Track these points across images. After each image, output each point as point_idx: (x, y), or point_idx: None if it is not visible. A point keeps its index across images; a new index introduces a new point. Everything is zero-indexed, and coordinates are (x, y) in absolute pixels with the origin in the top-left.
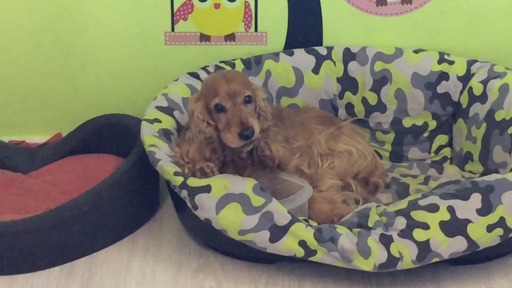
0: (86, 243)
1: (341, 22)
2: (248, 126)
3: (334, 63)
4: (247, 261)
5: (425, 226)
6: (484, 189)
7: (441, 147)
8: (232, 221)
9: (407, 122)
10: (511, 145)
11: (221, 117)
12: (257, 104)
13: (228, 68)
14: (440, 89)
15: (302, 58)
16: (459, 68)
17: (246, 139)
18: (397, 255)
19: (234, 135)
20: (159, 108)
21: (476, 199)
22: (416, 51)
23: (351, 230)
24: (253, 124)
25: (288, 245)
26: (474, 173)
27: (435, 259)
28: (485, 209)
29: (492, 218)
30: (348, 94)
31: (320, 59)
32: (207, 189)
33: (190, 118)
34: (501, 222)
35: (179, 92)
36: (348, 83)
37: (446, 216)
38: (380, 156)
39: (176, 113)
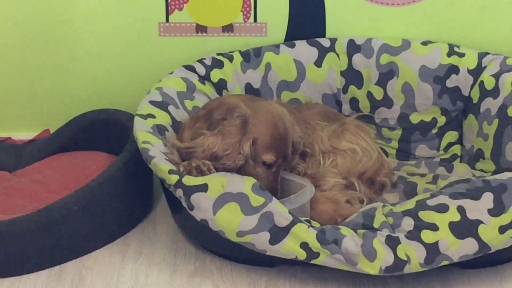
0: (76, 245)
1: (345, 12)
2: (273, 190)
3: (338, 55)
4: (246, 264)
5: (433, 227)
6: (496, 188)
7: (450, 144)
8: (230, 222)
9: (414, 118)
10: None
11: (259, 167)
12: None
13: (226, 61)
14: (450, 83)
15: (304, 50)
16: (470, 61)
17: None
18: (404, 258)
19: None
20: (153, 103)
21: (487, 199)
22: (424, 43)
23: (355, 232)
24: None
25: (289, 247)
26: (485, 172)
27: (445, 262)
28: (497, 210)
29: (505, 218)
30: (352, 88)
31: (323, 52)
32: (203, 188)
33: (232, 147)
34: None
35: (174, 86)
36: (352, 76)
37: (456, 217)
38: (386, 154)
39: (171, 108)
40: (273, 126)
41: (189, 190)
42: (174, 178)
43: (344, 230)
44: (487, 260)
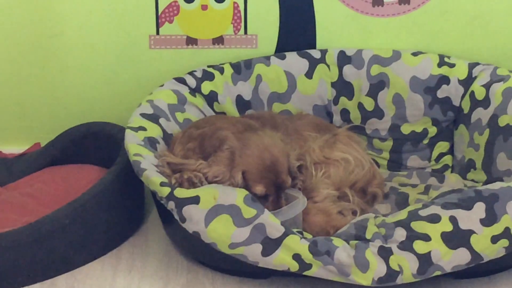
0: (68, 258)
1: (335, 24)
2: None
3: (328, 67)
4: (238, 276)
5: (426, 238)
6: (488, 198)
7: (442, 155)
8: (222, 234)
9: (405, 129)
10: None
11: (259, 196)
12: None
13: (216, 73)
14: (441, 93)
15: (295, 62)
16: (460, 71)
17: None
18: (397, 269)
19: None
20: (144, 115)
21: (479, 209)
22: (414, 54)
23: (348, 243)
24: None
25: (281, 259)
26: (476, 182)
27: (437, 273)
28: (489, 219)
29: (497, 228)
30: (343, 99)
31: (313, 63)
32: (195, 200)
33: (223, 175)
34: (506, 233)
35: (165, 98)
36: (343, 88)
37: (448, 227)
38: (378, 165)
39: (162, 120)
40: (259, 159)
41: (181, 203)
42: (165, 191)
43: (336, 241)
44: (479, 270)
